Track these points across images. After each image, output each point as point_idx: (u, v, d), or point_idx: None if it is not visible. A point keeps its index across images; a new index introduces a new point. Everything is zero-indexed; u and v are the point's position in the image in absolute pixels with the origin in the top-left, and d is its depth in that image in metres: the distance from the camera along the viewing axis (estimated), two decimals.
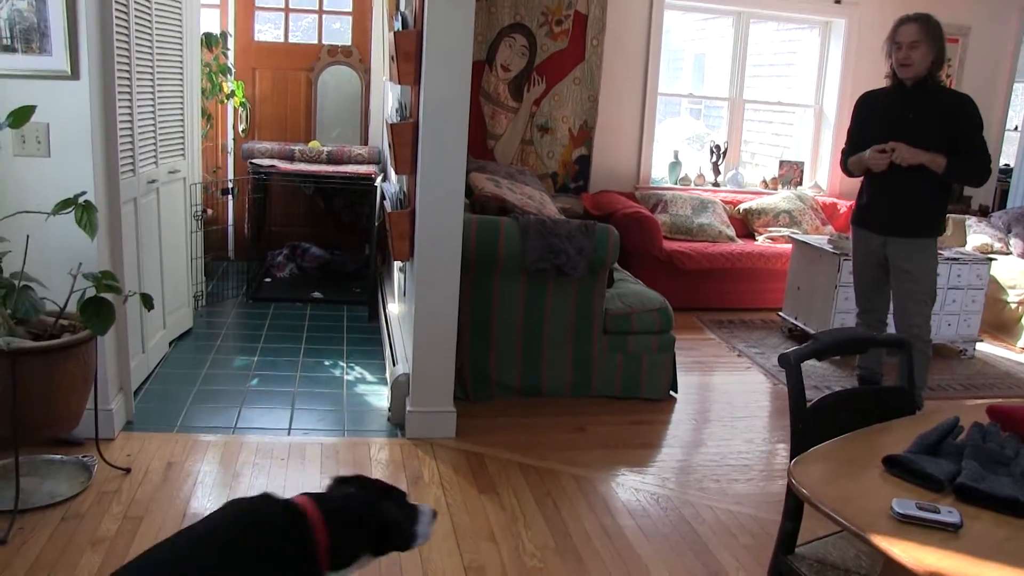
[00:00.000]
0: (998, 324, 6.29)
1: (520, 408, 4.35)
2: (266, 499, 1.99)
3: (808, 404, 2.11)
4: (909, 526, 1.60)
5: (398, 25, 3.95)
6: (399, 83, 3.84)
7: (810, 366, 5.27)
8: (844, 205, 7.26)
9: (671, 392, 4.64)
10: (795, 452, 2.06)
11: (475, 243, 4.17)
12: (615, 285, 4.74)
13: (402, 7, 4.31)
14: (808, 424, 2.06)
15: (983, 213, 7.64)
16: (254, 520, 1.91)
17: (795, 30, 7.87)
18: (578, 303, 4.37)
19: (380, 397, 4.35)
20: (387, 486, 2.15)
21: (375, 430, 3.97)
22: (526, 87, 6.80)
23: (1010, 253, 6.58)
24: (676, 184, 7.30)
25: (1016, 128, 8.91)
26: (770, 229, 6.90)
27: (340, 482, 2.14)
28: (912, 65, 4.01)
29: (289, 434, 3.87)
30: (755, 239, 6.91)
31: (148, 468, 3.47)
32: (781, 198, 7.11)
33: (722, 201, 7.08)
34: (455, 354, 3.92)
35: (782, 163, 7.65)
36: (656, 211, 6.70)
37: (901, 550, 1.52)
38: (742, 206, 7.12)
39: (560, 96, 6.86)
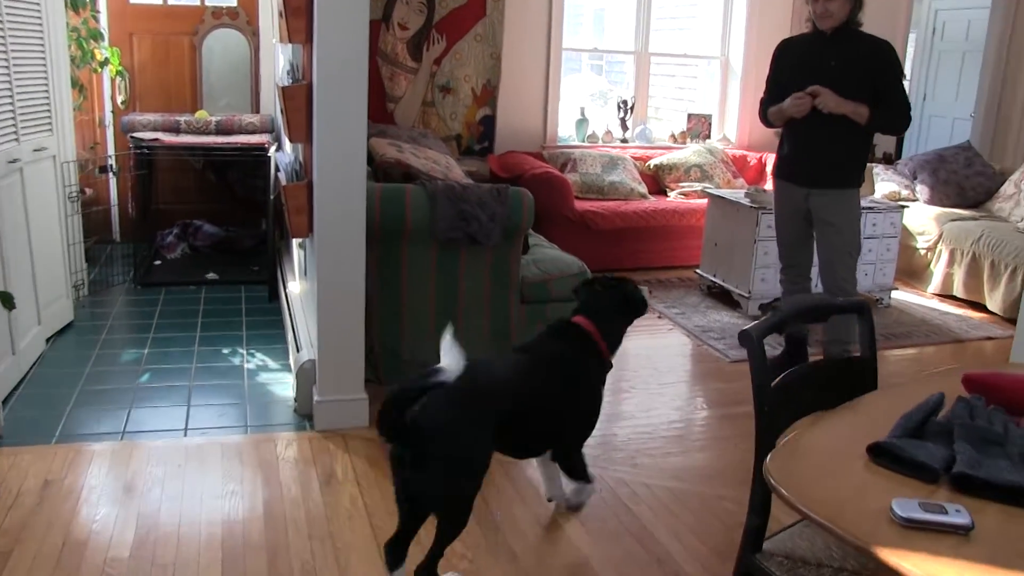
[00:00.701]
0: (908, 271, 6.27)
1: None
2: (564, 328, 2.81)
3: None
4: (915, 531, 1.36)
5: None
6: (289, 42, 3.44)
7: (730, 323, 5.15)
8: (754, 157, 7.13)
9: None
10: (761, 439, 1.81)
11: (379, 213, 3.80)
12: (530, 251, 4.46)
13: None
14: (774, 406, 1.81)
15: (888, 161, 7.58)
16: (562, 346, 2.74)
17: None
18: (493, 272, 4.06)
19: (285, 386, 3.97)
20: (616, 278, 2.97)
21: (281, 424, 3.59)
22: (425, 46, 6.40)
23: (917, 200, 6.52)
24: (584, 142, 7.02)
25: (908, 77, 8.97)
26: (682, 184, 6.70)
27: (586, 285, 2.98)
28: (832, 15, 3.89)
29: (186, 435, 3.46)
30: (667, 195, 6.70)
31: (20, 489, 3.01)
32: (691, 152, 6.91)
33: (632, 157, 6.84)
34: (364, 336, 3.60)
35: (690, 116, 7.44)
36: (566, 170, 6.41)
37: (912, 564, 1.27)
38: (652, 162, 6.90)
39: (461, 55, 6.49)
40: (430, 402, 2.19)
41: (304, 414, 3.66)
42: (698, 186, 6.64)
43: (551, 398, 2.68)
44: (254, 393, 3.88)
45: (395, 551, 2.42)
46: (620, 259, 6.18)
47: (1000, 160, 7.29)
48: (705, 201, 6.14)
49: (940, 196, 6.46)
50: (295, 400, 3.73)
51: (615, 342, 2.90)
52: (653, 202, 6.38)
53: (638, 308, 2.95)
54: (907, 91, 3.96)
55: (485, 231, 3.92)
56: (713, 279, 5.72)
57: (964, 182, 6.52)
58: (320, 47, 3.27)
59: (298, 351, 3.85)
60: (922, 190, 6.55)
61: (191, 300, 5.17)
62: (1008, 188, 6.43)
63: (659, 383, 4.29)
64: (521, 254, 4.18)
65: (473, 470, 2.38)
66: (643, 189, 6.55)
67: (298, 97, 3.44)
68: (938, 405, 1.74)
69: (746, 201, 5.38)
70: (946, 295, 6.06)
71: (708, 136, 7.42)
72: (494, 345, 4.13)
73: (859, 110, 3.87)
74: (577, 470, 2.97)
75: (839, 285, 4.05)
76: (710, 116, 7.48)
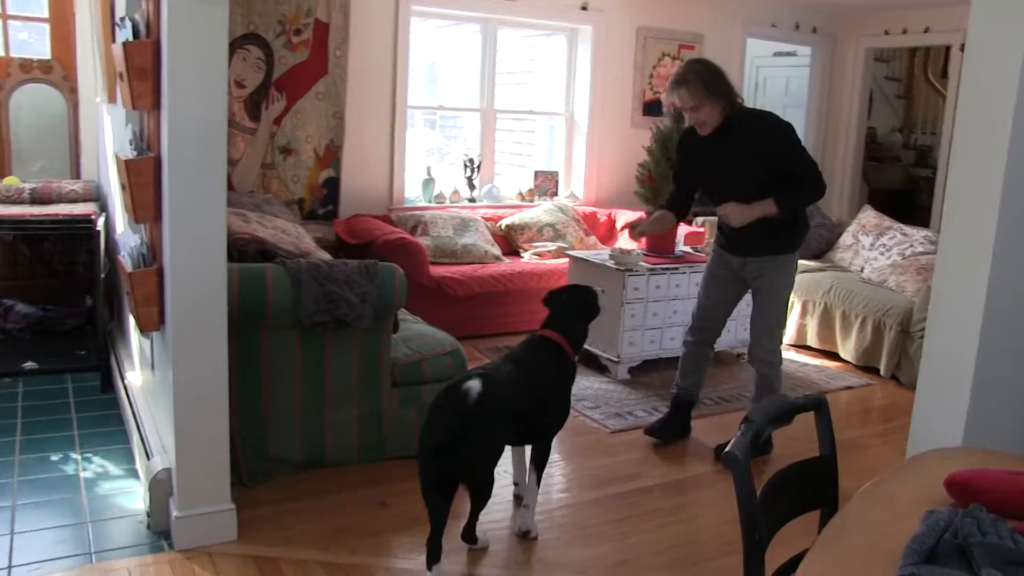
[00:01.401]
0: None
1: (308, 486, 3.60)
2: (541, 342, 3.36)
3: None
4: None
5: (126, 34, 3.08)
6: (133, 108, 3.00)
7: (603, 390, 5.00)
8: (604, 214, 7.07)
9: None
10: (752, 569, 1.60)
11: (238, 298, 3.39)
12: (399, 329, 4.15)
13: (125, 11, 3.43)
14: (764, 530, 1.60)
15: None
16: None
17: (541, 36, 7.57)
18: (363, 355, 3.71)
19: (132, 496, 3.41)
20: (578, 287, 3.58)
21: (132, 545, 3.04)
22: (264, 104, 5.96)
23: None
24: (431, 203, 6.75)
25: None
26: (535, 244, 6.54)
27: (553, 296, 3.53)
28: (705, 123, 3.85)
29: (10, 574, 2.86)
30: (521, 256, 6.53)
31: None
32: (542, 211, 6.78)
33: (482, 218, 6.64)
34: (229, 438, 3.16)
35: (537, 173, 7.33)
36: (416, 233, 6.11)
37: None
38: (503, 222, 6.72)
39: (303, 113, 6.09)
40: (474, 401, 2.83)
41: (160, 531, 3.13)
42: (552, 246, 6.50)
43: (539, 396, 3.25)
44: (96, 509, 3.30)
45: (436, 546, 2.87)
46: (481, 324, 5.96)
47: (829, 212, 7.59)
48: (562, 261, 6.07)
49: None
50: (148, 515, 3.19)
51: (580, 343, 3.50)
52: (509, 264, 6.19)
53: (596, 312, 3.59)
54: (805, 152, 3.86)
55: (356, 313, 3.57)
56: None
57: (808, 234, 6.63)
58: (171, 114, 2.84)
59: (148, 458, 3.32)
60: None
61: (6, 395, 4.47)
62: (846, 239, 6.63)
63: None
64: (392, 334, 3.90)
65: (500, 449, 3.04)
66: (497, 251, 6.35)
67: (145, 172, 2.99)
68: (950, 523, 1.57)
69: (611, 263, 5.27)
70: (801, 345, 6.18)
71: (555, 193, 7.32)
72: (365, 434, 3.80)
73: (767, 209, 3.81)
74: (544, 458, 3.40)
75: (767, 359, 4.07)
76: (556, 173, 7.39)
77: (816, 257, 6.63)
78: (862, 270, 6.28)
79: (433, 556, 2.88)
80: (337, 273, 3.61)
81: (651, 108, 7.47)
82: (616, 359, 5.28)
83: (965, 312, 2.63)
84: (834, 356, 5.94)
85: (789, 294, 4.12)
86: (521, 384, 3.14)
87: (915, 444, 2.81)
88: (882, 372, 5.60)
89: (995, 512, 1.65)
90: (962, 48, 7.45)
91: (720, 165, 3.92)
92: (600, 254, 5.64)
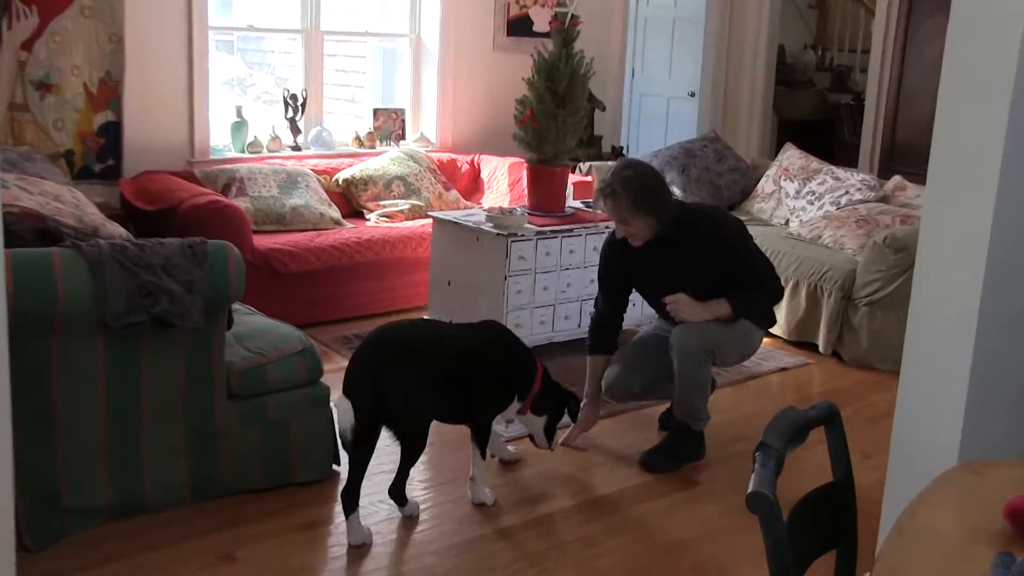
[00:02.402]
0: None
1: (121, 541, 3.39)
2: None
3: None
4: None
5: None
6: None
7: None
8: (465, 162, 7.07)
9: (335, 465, 4.01)
10: None
11: (13, 296, 3.13)
12: (232, 324, 3.95)
13: None
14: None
15: (619, 154, 7.80)
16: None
17: None
18: (189, 362, 3.55)
19: None
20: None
21: None
22: (5, 23, 5.58)
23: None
24: (245, 153, 6.56)
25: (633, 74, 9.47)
26: (383, 203, 6.46)
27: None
28: (637, 235, 4.10)
29: None
30: (366, 219, 6.45)
31: None
32: (388, 160, 6.70)
33: (313, 171, 6.50)
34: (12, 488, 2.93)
35: (377, 113, 7.22)
36: (231, 195, 5.91)
37: None
38: (340, 175, 6.60)
39: (64, 36, 5.70)
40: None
41: None
42: (404, 204, 6.45)
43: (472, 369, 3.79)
44: None
45: (353, 495, 3.48)
46: (323, 309, 5.84)
47: (740, 152, 7.75)
48: (420, 224, 6.05)
49: (694, 199, 6.61)
50: None
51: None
52: (353, 230, 6.12)
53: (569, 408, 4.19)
54: (758, 255, 4.24)
55: (181, 308, 3.37)
56: None
57: (718, 180, 6.84)
58: None
59: None
60: (675, 191, 6.70)
61: None
62: (766, 185, 6.82)
63: (435, 481, 3.99)
64: (226, 332, 3.74)
65: (424, 399, 3.57)
66: (335, 213, 6.26)
67: None
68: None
69: (490, 227, 5.22)
70: None
71: (402, 137, 7.25)
72: (196, 466, 3.63)
73: (720, 310, 4.11)
74: (483, 433, 3.86)
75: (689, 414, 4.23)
76: (402, 111, 7.32)
77: (730, 208, 6.64)
78: (787, 223, 6.44)
79: (352, 505, 3.48)
80: (152, 257, 3.40)
81: (518, 27, 7.48)
82: None
83: (961, 281, 2.68)
84: None
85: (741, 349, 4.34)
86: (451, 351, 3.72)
87: (901, 448, 2.91)
88: (821, 348, 5.73)
89: None
90: None
91: (659, 275, 4.22)
92: (472, 214, 5.59)
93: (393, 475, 3.70)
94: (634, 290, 4.46)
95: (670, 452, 4.25)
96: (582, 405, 4.33)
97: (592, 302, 4.57)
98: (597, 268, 4.51)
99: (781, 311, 5.82)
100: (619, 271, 4.35)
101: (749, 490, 1.63)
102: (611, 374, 4.37)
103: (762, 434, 1.78)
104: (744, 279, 4.15)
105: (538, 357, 4.09)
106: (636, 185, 3.99)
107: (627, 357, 4.39)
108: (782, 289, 4.36)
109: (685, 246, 4.11)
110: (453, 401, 3.75)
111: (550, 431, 4.11)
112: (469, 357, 3.78)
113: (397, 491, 3.69)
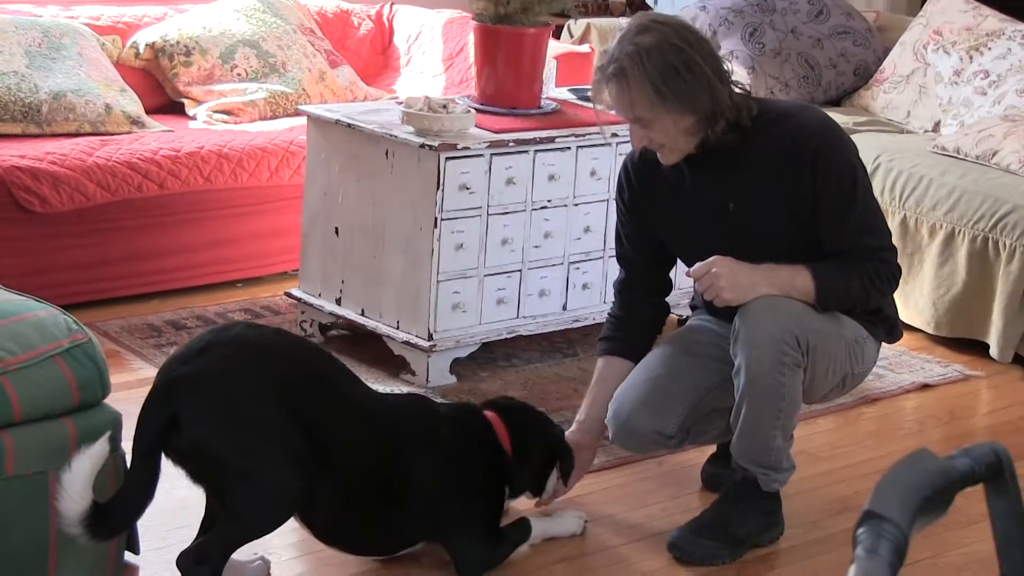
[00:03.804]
0: None
1: None
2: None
3: None
4: None
5: None
6: None
7: None
8: (366, 16, 6.70)
9: (129, 554, 3.68)
10: None
11: None
12: None
13: None
14: None
15: (637, 6, 8.09)
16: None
17: None
18: None
19: None
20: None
21: None
22: None
23: None
24: None
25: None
26: (218, 89, 5.81)
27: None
28: (664, 147, 3.71)
29: None
30: (189, 117, 5.80)
31: None
32: (231, 11, 6.17)
33: (91, 28, 5.67)
34: None
35: None
36: None
37: None
38: (138, 38, 5.74)
39: None
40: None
41: None
42: (259, 92, 5.73)
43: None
44: None
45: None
46: (111, 277, 5.32)
47: None
48: (288, 127, 5.41)
49: (775, 85, 6.28)
50: None
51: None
52: (164, 137, 5.34)
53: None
54: (871, 202, 3.88)
55: None
56: (334, 310, 4.91)
57: (814, 51, 6.49)
58: None
59: None
60: (738, 73, 5.94)
61: None
62: (901, 61, 6.17)
63: None
64: None
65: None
66: (134, 106, 5.49)
67: None
68: None
69: (408, 133, 4.54)
70: None
71: None
72: None
73: (793, 281, 3.81)
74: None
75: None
76: None
77: (834, 104, 6.18)
78: (935, 127, 5.80)
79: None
80: None
81: None
82: (426, 343, 4.60)
83: None
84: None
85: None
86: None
87: None
88: (994, 351, 5.04)
89: None
90: None
91: (702, 221, 3.85)
92: (378, 110, 4.88)
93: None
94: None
95: (722, 529, 3.87)
96: (572, 442, 3.96)
97: (596, 263, 4.74)
98: (609, 210, 4.22)
99: (921, 283, 5.45)
100: (643, 219, 3.94)
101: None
102: (624, 403, 3.96)
103: (869, 497, 1.61)
104: (842, 242, 3.67)
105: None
106: (661, 60, 3.53)
107: (652, 374, 3.97)
108: (899, 270, 3.83)
109: (750, 178, 3.69)
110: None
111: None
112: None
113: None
